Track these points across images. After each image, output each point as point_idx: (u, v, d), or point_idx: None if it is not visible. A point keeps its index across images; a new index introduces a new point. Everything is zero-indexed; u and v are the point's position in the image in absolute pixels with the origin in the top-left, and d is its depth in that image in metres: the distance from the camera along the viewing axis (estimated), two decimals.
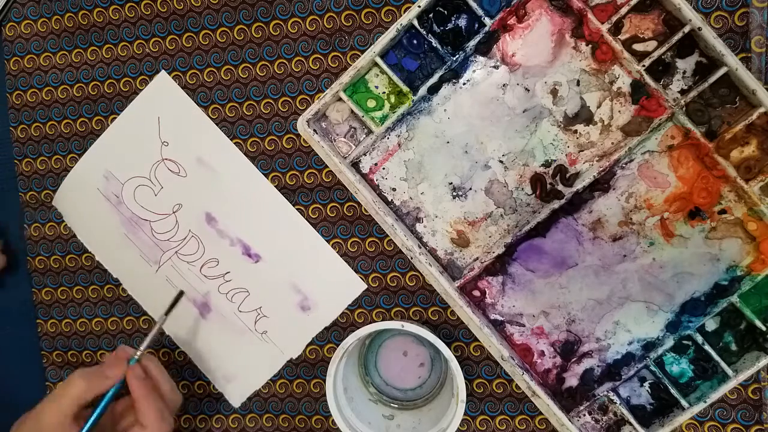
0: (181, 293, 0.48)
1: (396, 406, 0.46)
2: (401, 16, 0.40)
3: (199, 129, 0.48)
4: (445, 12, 0.40)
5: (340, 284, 0.47)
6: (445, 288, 0.40)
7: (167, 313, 0.46)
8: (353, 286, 0.47)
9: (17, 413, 0.43)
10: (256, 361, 0.48)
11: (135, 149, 0.49)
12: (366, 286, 0.46)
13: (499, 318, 0.43)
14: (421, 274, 0.45)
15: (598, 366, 0.42)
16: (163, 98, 0.48)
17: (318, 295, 0.47)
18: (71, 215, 0.51)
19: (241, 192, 0.47)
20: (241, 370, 0.49)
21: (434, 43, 0.40)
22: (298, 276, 0.47)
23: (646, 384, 0.41)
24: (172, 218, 0.49)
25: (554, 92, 0.41)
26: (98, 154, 0.49)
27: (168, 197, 0.49)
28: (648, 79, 0.38)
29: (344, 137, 0.43)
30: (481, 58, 0.41)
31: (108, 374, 0.40)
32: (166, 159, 0.48)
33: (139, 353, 0.42)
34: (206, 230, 0.48)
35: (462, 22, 0.40)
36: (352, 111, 0.42)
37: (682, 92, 0.39)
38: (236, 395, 0.49)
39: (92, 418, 0.39)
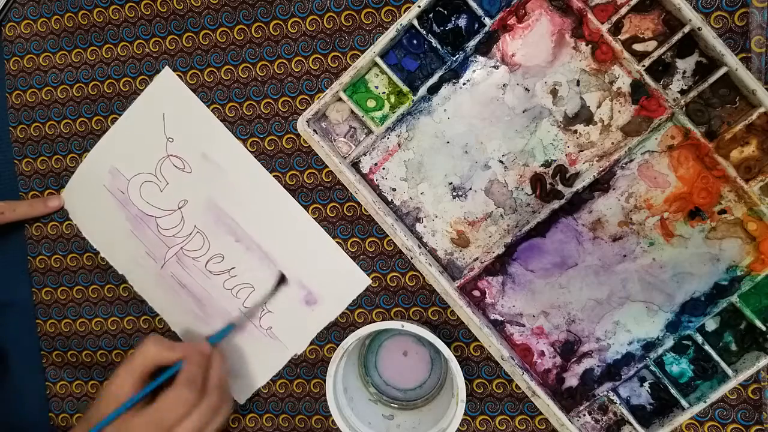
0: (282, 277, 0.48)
1: (396, 406, 0.46)
2: (401, 16, 0.40)
3: (203, 125, 0.48)
4: (445, 12, 0.40)
5: (344, 279, 0.47)
6: (445, 288, 0.40)
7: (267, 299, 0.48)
8: (357, 280, 0.47)
9: (18, 413, 0.43)
10: (261, 357, 0.48)
11: (140, 145, 0.49)
12: (370, 281, 0.46)
13: (499, 318, 0.43)
14: (421, 274, 0.45)
15: (598, 366, 0.42)
16: (167, 95, 0.48)
17: (322, 290, 0.47)
18: (77, 212, 0.51)
19: (246, 187, 0.47)
20: (245, 367, 0.49)
21: (434, 43, 0.40)
22: (303, 271, 0.47)
23: (646, 384, 0.41)
24: (178, 214, 0.49)
25: (554, 92, 0.41)
26: (104, 151, 0.50)
27: (173, 193, 0.49)
28: (648, 79, 0.38)
29: (344, 137, 0.43)
30: (481, 58, 0.41)
31: (175, 347, 0.43)
32: (171, 155, 0.48)
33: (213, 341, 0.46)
34: (211, 226, 0.48)
35: (462, 22, 0.40)
36: (352, 111, 0.42)
37: (682, 92, 0.39)
38: (241, 392, 0.49)
39: (153, 384, 0.42)
